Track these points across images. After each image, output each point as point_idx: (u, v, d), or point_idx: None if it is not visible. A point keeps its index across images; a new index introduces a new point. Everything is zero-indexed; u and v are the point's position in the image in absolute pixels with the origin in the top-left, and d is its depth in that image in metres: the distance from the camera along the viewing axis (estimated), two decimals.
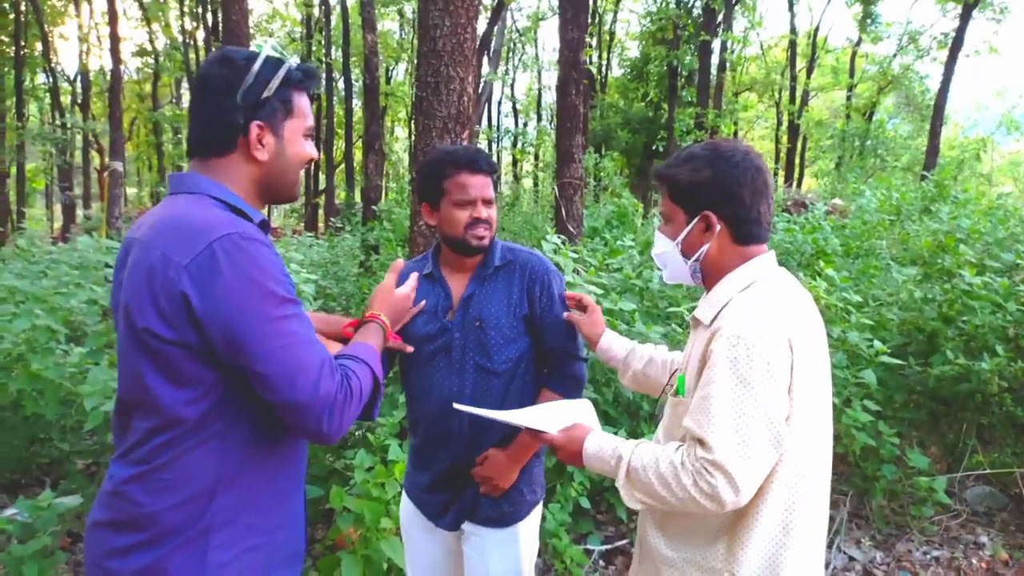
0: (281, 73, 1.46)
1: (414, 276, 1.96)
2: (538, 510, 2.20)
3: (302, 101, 1.51)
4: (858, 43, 27.41)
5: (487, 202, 2.02)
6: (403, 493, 2.28)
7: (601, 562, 3.68)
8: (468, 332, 2.03)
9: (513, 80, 32.05)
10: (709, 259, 1.66)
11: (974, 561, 3.75)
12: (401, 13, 26.99)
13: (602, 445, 1.63)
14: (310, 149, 1.54)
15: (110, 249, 4.79)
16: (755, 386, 1.44)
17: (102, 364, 3.60)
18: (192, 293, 1.28)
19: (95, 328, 4.08)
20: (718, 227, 1.63)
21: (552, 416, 1.77)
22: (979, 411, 4.11)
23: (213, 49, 18.77)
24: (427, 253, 2.19)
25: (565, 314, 2.07)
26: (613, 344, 2.10)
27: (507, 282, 2.07)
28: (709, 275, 1.68)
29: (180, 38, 24.72)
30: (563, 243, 4.28)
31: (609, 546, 3.74)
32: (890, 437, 3.78)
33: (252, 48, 1.50)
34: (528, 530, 2.14)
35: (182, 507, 1.35)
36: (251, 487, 1.41)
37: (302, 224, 22.33)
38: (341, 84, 23.96)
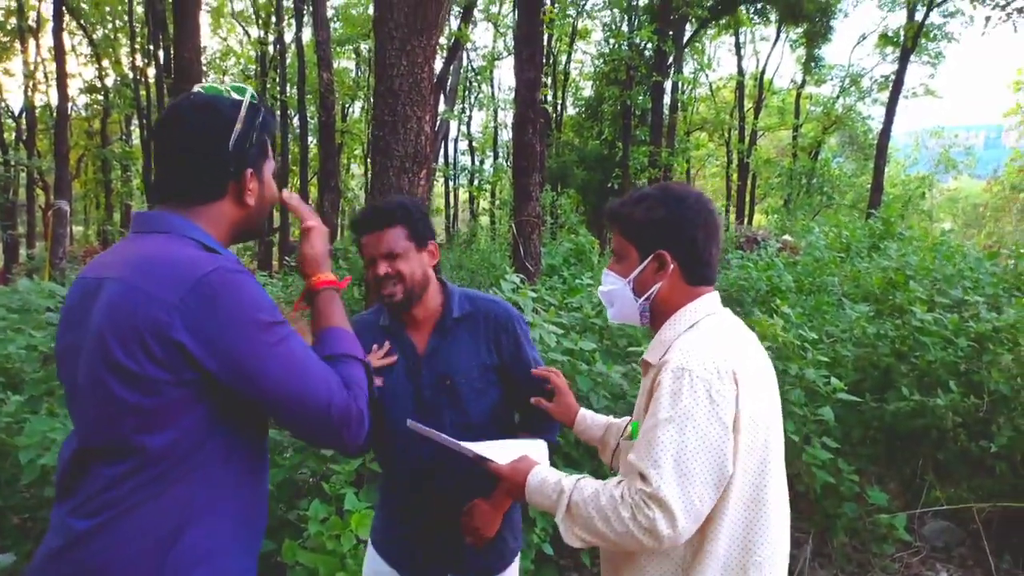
0: (260, 118, 1.48)
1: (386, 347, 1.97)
2: (519, 557, 2.15)
3: (270, 143, 1.54)
4: (802, 85, 28.44)
5: (389, 256, 1.92)
6: (370, 549, 2.17)
7: None
8: (438, 391, 1.97)
9: (469, 118, 32.35)
10: (660, 299, 1.66)
11: None
12: (357, 52, 27.16)
13: (545, 478, 1.60)
14: (276, 188, 1.57)
15: (52, 293, 4.61)
16: (698, 419, 1.43)
17: (40, 413, 3.43)
18: (186, 332, 1.27)
19: (33, 375, 3.90)
20: (671, 266, 1.63)
21: (504, 450, 1.77)
22: (935, 446, 4.16)
23: (165, 86, 18.55)
24: (379, 304, 2.09)
25: (532, 400, 2.02)
26: (590, 424, 2.05)
27: (471, 334, 2.01)
28: (657, 315, 1.68)
29: (131, 75, 24.39)
30: (522, 282, 4.25)
31: None
32: (849, 475, 3.79)
33: (202, 87, 1.49)
34: None
35: (145, 556, 1.29)
36: (220, 531, 1.37)
37: (255, 262, 21.99)
38: (296, 122, 23.89)
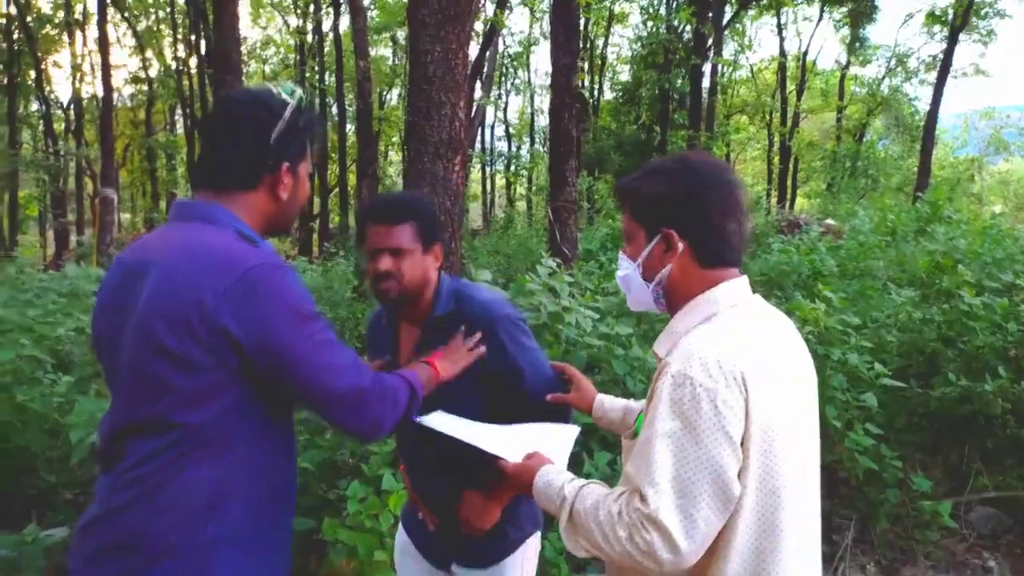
0: (305, 119, 1.57)
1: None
2: (530, 545, 2.09)
3: (311, 146, 1.62)
4: (847, 66, 27.77)
5: (393, 252, 1.86)
6: (400, 523, 2.23)
7: None
8: None
9: (506, 104, 32.28)
10: (672, 283, 1.48)
11: None
12: (394, 39, 27.23)
13: (550, 482, 1.48)
14: (309, 188, 1.67)
15: (99, 278, 4.73)
16: (701, 433, 1.27)
17: (89, 394, 3.53)
18: (232, 321, 1.34)
19: (83, 357, 4.01)
20: (680, 247, 1.45)
21: (523, 440, 1.69)
22: (982, 433, 4.05)
23: (207, 76, 18.84)
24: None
25: (549, 397, 1.94)
26: (607, 409, 1.93)
27: (452, 336, 1.93)
28: (673, 302, 1.50)
29: (174, 65, 24.84)
30: (558, 267, 4.23)
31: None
32: (892, 460, 3.72)
33: (258, 85, 1.63)
34: (515, 567, 2.04)
35: (178, 527, 1.36)
36: (251, 506, 1.44)
37: (296, 249, 22.30)
38: (335, 110, 24.09)
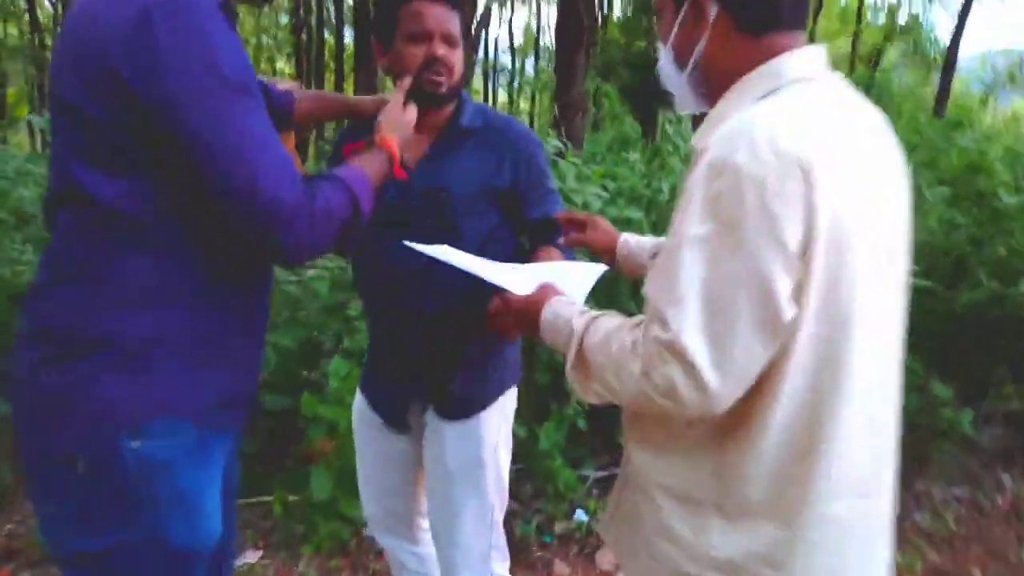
0: None
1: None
2: (508, 397, 1.89)
3: None
4: None
5: (447, 40, 1.63)
6: (357, 391, 1.99)
7: (595, 490, 3.41)
8: (429, 202, 1.67)
9: (511, 13, 31.20)
10: (710, 63, 1.10)
11: (997, 500, 3.51)
12: None
13: (559, 313, 1.19)
14: None
15: None
16: (743, 237, 0.92)
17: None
18: (123, 63, 1.05)
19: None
20: (713, 11, 1.07)
21: (536, 275, 1.42)
22: (1011, 338, 3.82)
23: None
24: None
25: (563, 239, 1.71)
26: (633, 248, 1.62)
27: (479, 149, 1.71)
28: (715, 88, 1.12)
29: None
30: (566, 147, 3.90)
31: (605, 473, 3.46)
32: (913, 366, 3.50)
33: None
34: (492, 418, 1.83)
35: (91, 321, 1.15)
36: (203, 309, 1.21)
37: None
38: (331, 10, 23.30)
